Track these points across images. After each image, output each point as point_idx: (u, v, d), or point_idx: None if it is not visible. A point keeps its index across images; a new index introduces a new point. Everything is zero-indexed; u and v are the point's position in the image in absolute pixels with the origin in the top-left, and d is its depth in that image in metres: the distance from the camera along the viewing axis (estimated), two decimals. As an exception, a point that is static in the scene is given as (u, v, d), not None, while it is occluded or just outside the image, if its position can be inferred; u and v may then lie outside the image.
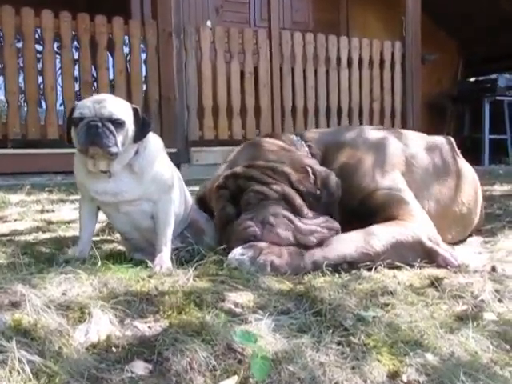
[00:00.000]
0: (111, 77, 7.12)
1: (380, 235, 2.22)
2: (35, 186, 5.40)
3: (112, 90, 6.92)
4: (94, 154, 2.08)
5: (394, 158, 2.54)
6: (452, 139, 3.04)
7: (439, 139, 2.98)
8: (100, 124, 2.03)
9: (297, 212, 2.24)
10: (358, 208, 2.37)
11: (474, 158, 9.20)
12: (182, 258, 2.26)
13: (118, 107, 2.10)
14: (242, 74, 7.62)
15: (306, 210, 2.27)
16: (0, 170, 6.14)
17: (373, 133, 2.64)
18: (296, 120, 8.02)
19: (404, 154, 2.60)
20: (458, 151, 3.01)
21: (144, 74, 7.24)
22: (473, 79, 10.30)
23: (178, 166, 6.85)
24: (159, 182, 2.22)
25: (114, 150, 2.05)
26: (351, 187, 2.40)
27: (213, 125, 7.43)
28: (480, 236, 3.08)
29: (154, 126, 2.25)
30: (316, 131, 2.66)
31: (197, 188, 4.91)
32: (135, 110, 2.15)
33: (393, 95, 8.74)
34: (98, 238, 2.67)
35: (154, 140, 2.27)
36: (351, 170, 2.45)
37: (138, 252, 2.38)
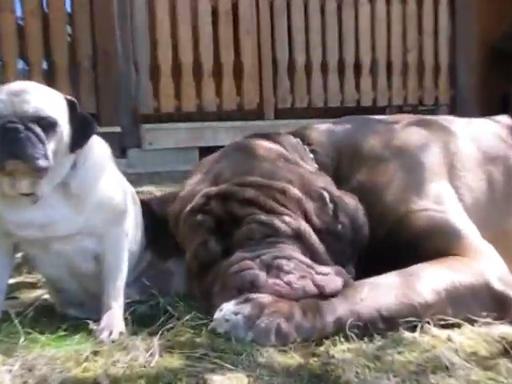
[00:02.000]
0: (19, 21, 7.05)
1: (428, 278, 2.24)
2: None
3: (21, 40, 6.86)
4: (13, 171, 2.05)
5: (434, 166, 2.59)
6: (508, 118, 3.16)
7: (492, 123, 3.09)
8: (22, 126, 2.01)
9: (313, 257, 2.26)
10: (387, 240, 2.41)
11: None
12: (140, 317, 2.27)
13: (47, 101, 2.08)
14: (215, 14, 7.61)
15: (324, 256, 2.29)
16: None
17: (402, 133, 2.69)
18: (294, 82, 8.04)
19: (445, 156, 2.67)
20: None
21: (69, 13, 7.19)
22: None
23: (123, 151, 6.86)
24: (106, 208, 2.22)
25: (42, 163, 2.02)
26: (377, 211, 2.44)
27: (173, 91, 7.42)
28: None
29: (97, 127, 2.23)
30: (321, 129, 2.69)
31: (152, 188, 4.79)
32: (71, 104, 2.15)
33: (436, 41, 8.76)
34: (12, 281, 2.66)
35: (97, 147, 2.26)
36: (376, 187, 2.50)
37: (75, 307, 2.38)
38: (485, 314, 2.24)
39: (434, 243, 2.38)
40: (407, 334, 2.10)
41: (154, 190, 4.46)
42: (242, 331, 2.03)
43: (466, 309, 2.24)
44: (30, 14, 6.92)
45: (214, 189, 2.32)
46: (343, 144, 2.59)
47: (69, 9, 7.21)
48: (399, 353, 1.98)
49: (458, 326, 2.19)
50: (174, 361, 1.88)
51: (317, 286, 2.15)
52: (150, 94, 7.35)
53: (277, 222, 2.24)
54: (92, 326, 2.15)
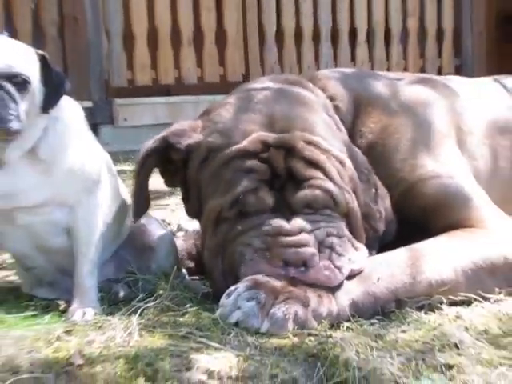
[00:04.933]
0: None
1: (443, 254, 2.26)
2: None
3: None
4: None
5: (441, 127, 2.60)
6: None
7: (495, 84, 3.17)
8: None
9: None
10: (397, 209, 2.42)
11: None
12: (117, 297, 2.27)
13: (18, 56, 2.07)
14: (196, -26, 7.60)
15: (362, 240, 2.29)
16: None
17: (410, 90, 2.71)
18: (283, 50, 8.04)
19: (452, 117, 2.69)
20: None
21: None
22: None
23: (94, 128, 6.75)
24: (78, 175, 2.21)
25: (15, 125, 2.01)
26: (388, 176, 2.45)
27: (149, 61, 7.40)
28: None
29: (69, 85, 2.22)
30: (337, 78, 2.67)
31: (127, 167, 4.81)
32: (43, 59, 2.13)
33: (439, 4, 8.75)
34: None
35: (69, 108, 2.25)
36: (387, 150, 2.50)
37: (45, 287, 2.37)
38: (498, 290, 2.26)
39: (447, 214, 2.40)
40: (412, 313, 2.12)
41: (129, 170, 4.46)
42: (257, 320, 1.98)
43: (481, 284, 2.26)
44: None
45: (272, 136, 2.25)
46: (358, 100, 2.59)
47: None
48: (403, 331, 1.99)
49: (469, 303, 2.20)
50: (156, 340, 1.87)
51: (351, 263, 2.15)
52: (123, 64, 7.33)
53: (340, 195, 2.20)
54: (63, 306, 2.16)
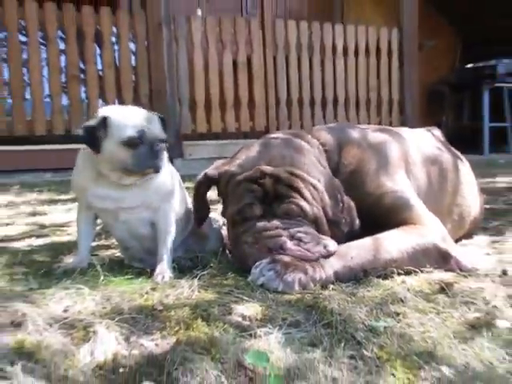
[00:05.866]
0: (99, 71, 7.08)
1: (394, 241, 2.25)
2: (24, 185, 5.38)
3: (101, 83, 6.90)
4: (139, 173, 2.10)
5: (395, 160, 2.59)
6: (437, 129, 3.24)
7: (427, 132, 3.14)
8: (160, 147, 2.08)
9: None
10: (369, 213, 2.39)
11: (473, 147, 9.25)
12: (185, 267, 2.27)
13: (160, 124, 2.14)
14: (235, 64, 7.63)
15: (328, 236, 2.28)
16: (-14, 169, 6.12)
17: (374, 135, 2.68)
18: (291, 112, 8.08)
19: (402, 153, 2.65)
20: (446, 141, 3.16)
21: (133, 66, 7.21)
22: (471, 65, 10.29)
23: (170, 160, 6.86)
24: (161, 190, 2.22)
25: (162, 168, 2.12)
26: (363, 192, 2.43)
27: (205, 118, 7.46)
28: (487, 235, 3.09)
29: None
30: (326, 130, 2.63)
31: (191, 184, 4.92)
32: (162, 121, 2.17)
33: (390, 84, 8.77)
34: (94, 244, 2.65)
35: None
36: (361, 175, 2.48)
37: (137, 261, 2.37)
38: (428, 265, 2.25)
39: (398, 216, 2.39)
40: (374, 279, 2.12)
41: (192, 187, 4.47)
42: (275, 283, 2.00)
43: (418, 261, 2.25)
44: (107, 67, 6.95)
45: (269, 168, 2.26)
46: (341, 144, 2.56)
47: (133, 62, 7.22)
48: (368, 291, 1.98)
49: (410, 273, 2.19)
50: (209, 295, 1.87)
51: (325, 248, 2.16)
52: (189, 120, 7.38)
53: (309, 208, 2.21)
54: (150, 272, 2.17)
